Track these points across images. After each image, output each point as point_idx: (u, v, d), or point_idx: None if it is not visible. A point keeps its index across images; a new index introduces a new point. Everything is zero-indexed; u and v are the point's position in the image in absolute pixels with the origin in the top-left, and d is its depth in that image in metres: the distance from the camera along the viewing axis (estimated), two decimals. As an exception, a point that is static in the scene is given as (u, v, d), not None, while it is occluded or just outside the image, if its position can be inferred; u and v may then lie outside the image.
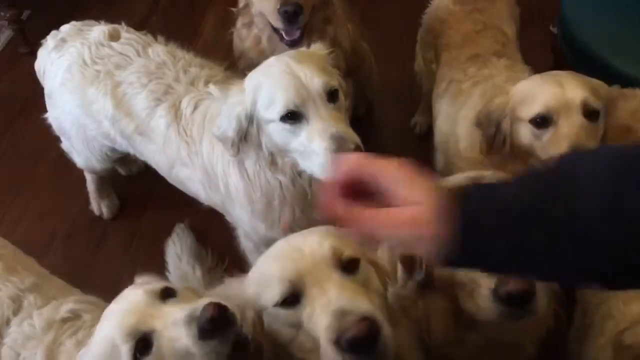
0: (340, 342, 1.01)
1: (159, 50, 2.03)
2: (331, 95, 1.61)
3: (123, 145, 2.11)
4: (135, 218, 2.60)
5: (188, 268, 2.22)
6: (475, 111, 1.88)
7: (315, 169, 1.59)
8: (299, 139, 1.59)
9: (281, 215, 1.81)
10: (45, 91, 2.22)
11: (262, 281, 1.19)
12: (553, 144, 1.62)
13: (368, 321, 1.02)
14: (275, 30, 2.10)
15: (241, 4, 2.22)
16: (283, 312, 1.14)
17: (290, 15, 1.97)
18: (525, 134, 1.69)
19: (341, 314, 1.04)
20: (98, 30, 2.11)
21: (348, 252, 1.16)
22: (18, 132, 2.96)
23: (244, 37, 2.26)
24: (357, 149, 1.53)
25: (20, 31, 3.29)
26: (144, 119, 1.94)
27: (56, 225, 2.59)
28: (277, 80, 1.61)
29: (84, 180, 2.56)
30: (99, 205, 2.59)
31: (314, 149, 1.55)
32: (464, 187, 0.82)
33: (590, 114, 1.63)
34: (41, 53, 2.20)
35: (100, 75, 2.01)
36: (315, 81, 1.58)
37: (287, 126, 1.59)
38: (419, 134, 2.80)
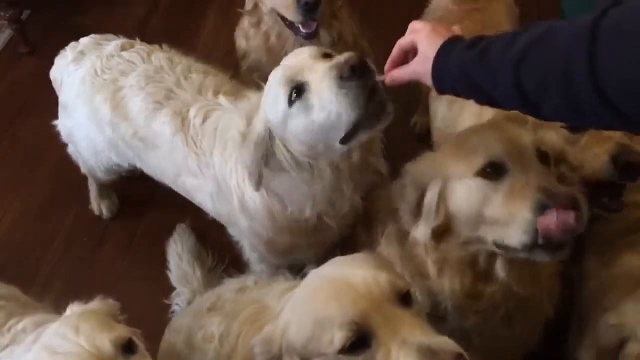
0: None
1: (160, 57, 2.04)
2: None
3: (129, 156, 2.10)
4: (135, 218, 2.60)
5: (189, 268, 2.22)
6: (474, 117, 1.88)
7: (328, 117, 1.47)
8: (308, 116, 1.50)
9: (309, 224, 1.75)
10: (60, 100, 2.24)
11: (316, 324, 1.09)
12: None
13: (462, 358, 1.01)
14: (289, 25, 2.11)
15: (250, 6, 2.23)
16: (349, 358, 1.07)
17: (310, 8, 1.97)
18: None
19: (429, 353, 1.00)
20: (114, 44, 2.13)
21: (402, 283, 1.13)
22: (18, 132, 2.96)
23: (251, 36, 2.27)
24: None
25: (20, 31, 3.28)
26: (143, 123, 1.93)
27: (56, 225, 2.59)
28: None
29: (84, 180, 2.56)
30: (99, 206, 2.59)
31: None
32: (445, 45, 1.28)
33: None
34: (59, 62, 2.23)
35: (107, 83, 2.02)
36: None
37: (295, 111, 1.50)
38: (419, 133, 2.80)
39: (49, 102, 2.86)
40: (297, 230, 1.79)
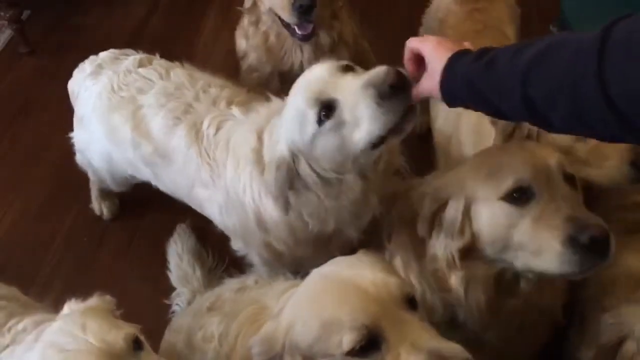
0: None
1: (179, 73, 2.02)
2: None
3: (146, 175, 2.09)
4: (135, 218, 2.60)
5: (188, 268, 2.23)
6: (477, 115, 1.87)
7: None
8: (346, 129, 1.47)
9: (335, 238, 1.75)
10: (76, 113, 2.24)
11: (324, 326, 1.10)
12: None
13: None
14: (286, 25, 2.11)
15: (248, 3, 2.22)
16: None
17: (305, 10, 1.97)
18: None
19: (439, 359, 1.02)
20: (131, 59, 2.12)
21: (408, 287, 1.15)
22: (18, 132, 2.96)
23: (250, 35, 2.27)
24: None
25: (20, 31, 3.29)
26: (163, 139, 1.92)
27: (56, 225, 2.59)
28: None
29: (83, 180, 2.56)
30: (99, 206, 2.59)
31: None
32: (453, 56, 1.26)
33: None
34: (76, 75, 2.22)
35: (124, 101, 2.01)
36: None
37: (328, 127, 1.47)
38: (419, 133, 2.80)
39: (49, 102, 2.87)
40: (316, 242, 1.78)
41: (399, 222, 1.59)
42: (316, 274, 1.23)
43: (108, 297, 1.38)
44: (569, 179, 1.36)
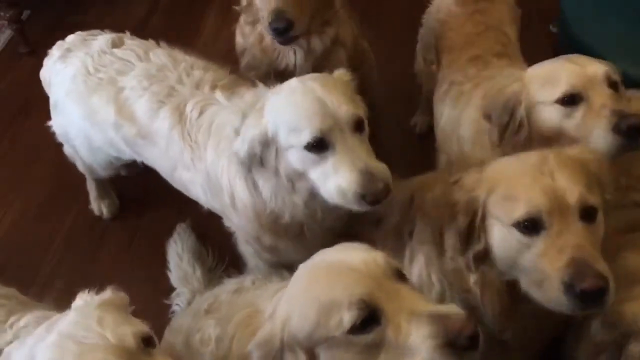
0: (454, 343, 1.03)
1: (159, 54, 2.03)
2: (358, 126, 1.57)
3: (127, 153, 2.10)
4: (135, 218, 2.61)
5: (188, 268, 2.23)
6: (478, 112, 1.88)
7: (334, 196, 1.56)
8: (322, 168, 1.55)
9: (289, 229, 1.80)
10: (51, 101, 2.23)
11: (321, 310, 1.10)
12: (591, 118, 1.59)
13: (472, 323, 1.05)
14: None
15: (244, 2, 2.23)
16: (359, 337, 1.08)
17: (280, 32, 2.00)
18: (551, 115, 1.66)
19: (440, 319, 1.04)
20: (102, 39, 2.11)
21: (395, 262, 1.17)
22: (18, 132, 2.96)
23: (247, 33, 2.29)
24: (385, 188, 1.51)
25: (20, 31, 3.29)
26: (146, 122, 1.93)
27: (56, 225, 2.59)
28: (302, 106, 1.56)
29: (84, 180, 2.56)
30: (99, 206, 2.59)
31: (340, 180, 1.53)
32: None
33: (613, 84, 1.64)
34: (47, 63, 2.22)
35: (103, 82, 2.01)
36: (344, 109, 1.54)
37: (311, 155, 1.55)
38: (419, 133, 2.80)
39: (48, 102, 2.86)
40: (278, 232, 1.82)
41: (422, 219, 1.59)
42: (303, 267, 1.24)
43: (122, 294, 1.38)
44: (589, 210, 1.33)
